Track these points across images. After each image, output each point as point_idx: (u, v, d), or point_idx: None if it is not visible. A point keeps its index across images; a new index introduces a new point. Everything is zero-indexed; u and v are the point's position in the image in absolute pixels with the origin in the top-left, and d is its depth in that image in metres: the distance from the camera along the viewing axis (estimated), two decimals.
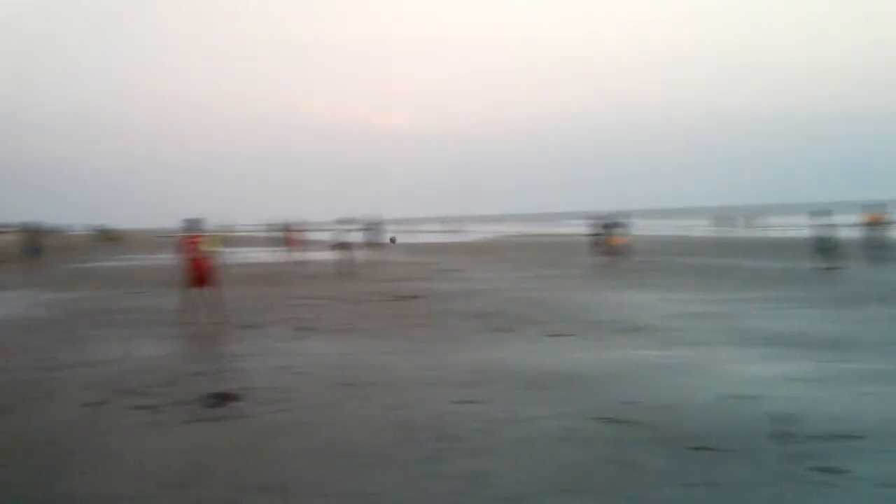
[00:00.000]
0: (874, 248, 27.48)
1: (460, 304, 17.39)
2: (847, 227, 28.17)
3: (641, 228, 57.16)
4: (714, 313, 14.89)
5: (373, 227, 37.73)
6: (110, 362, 10.98)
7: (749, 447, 6.48)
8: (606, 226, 33.20)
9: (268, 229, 70.69)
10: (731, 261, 29.98)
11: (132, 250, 56.06)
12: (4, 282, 27.11)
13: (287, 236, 38.06)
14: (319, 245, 33.41)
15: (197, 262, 14.55)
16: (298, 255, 34.39)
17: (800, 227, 41.33)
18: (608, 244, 32.35)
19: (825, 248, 23.79)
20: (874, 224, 28.80)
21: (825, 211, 24.92)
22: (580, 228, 29.90)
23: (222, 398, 8.55)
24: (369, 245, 36.04)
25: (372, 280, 24.62)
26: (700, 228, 72.52)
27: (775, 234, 57.35)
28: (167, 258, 26.09)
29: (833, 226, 23.83)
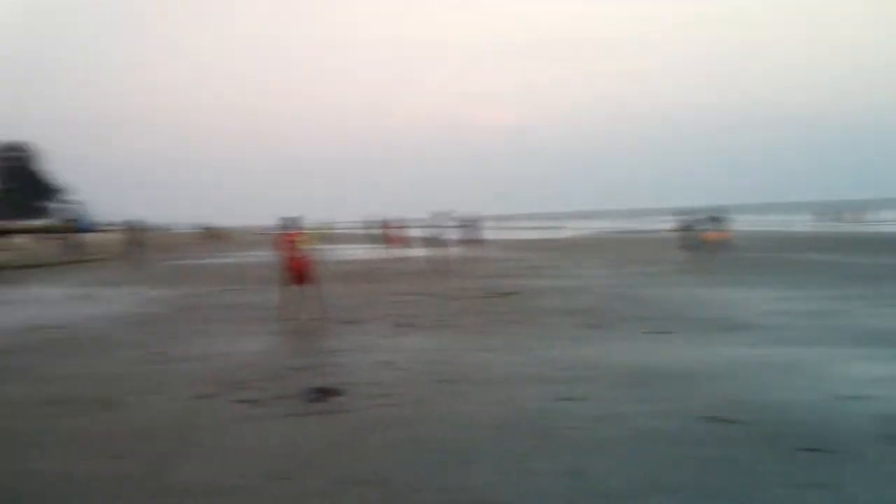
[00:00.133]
0: None
1: (557, 300, 17.29)
2: None
3: (741, 224, 55.79)
4: (818, 311, 14.44)
5: (469, 224, 37.84)
6: (216, 357, 11.27)
7: (860, 449, 6.26)
8: (705, 221, 32.64)
9: (366, 226, 71.52)
10: (835, 257, 29.00)
11: (234, 248, 57.37)
12: (112, 279, 28.07)
13: (385, 233, 38.47)
14: (417, 242, 33.62)
15: (296, 260, 14.82)
16: (396, 252, 34.72)
17: None
18: (706, 240, 31.78)
19: None
20: None
21: None
22: (676, 224, 29.40)
23: (323, 393, 8.70)
24: (465, 242, 36.15)
25: (469, 277, 24.65)
26: (803, 224, 70.54)
27: (884, 229, 55.31)
28: (268, 255, 26.68)
29: None
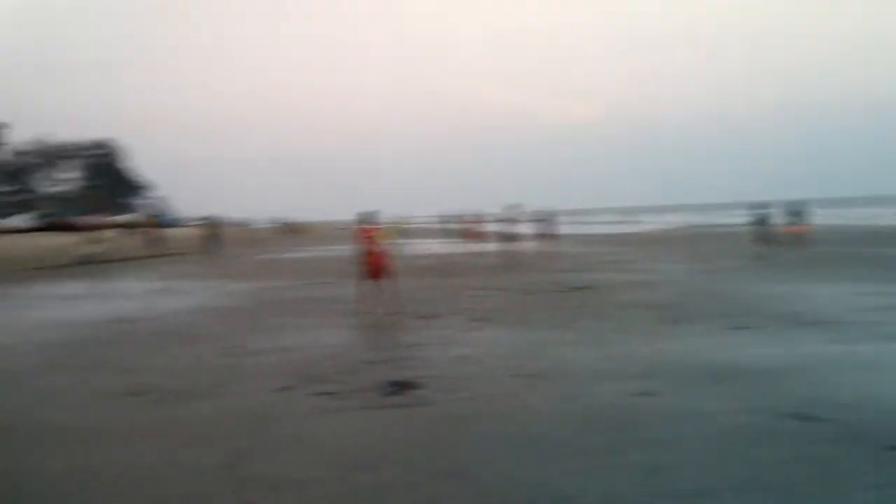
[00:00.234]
0: None
1: (634, 295, 17.10)
2: None
3: (821, 217, 54.38)
4: None
5: (544, 218, 37.67)
6: (294, 350, 11.39)
7: None
8: (784, 214, 31.95)
9: (443, 221, 71.78)
10: None
11: (313, 242, 58.12)
12: (193, 272, 28.66)
13: (463, 228, 38.53)
14: (493, 236, 33.60)
15: (374, 254, 14.89)
16: (472, 247, 34.75)
17: None
18: (785, 233, 31.12)
19: None
20: None
21: None
22: (752, 218, 28.82)
23: (402, 386, 8.73)
24: (540, 236, 36.02)
25: (544, 271, 24.59)
26: (887, 217, 68.43)
27: None
28: (345, 250, 26.93)
29: None
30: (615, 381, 8.80)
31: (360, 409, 7.90)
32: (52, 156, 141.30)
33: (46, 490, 5.86)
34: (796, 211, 32.47)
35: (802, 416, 7.06)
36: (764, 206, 32.21)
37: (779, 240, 30.56)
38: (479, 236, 36.12)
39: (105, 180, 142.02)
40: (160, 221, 67.01)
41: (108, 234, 38.86)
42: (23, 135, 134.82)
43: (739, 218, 29.37)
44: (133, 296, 20.80)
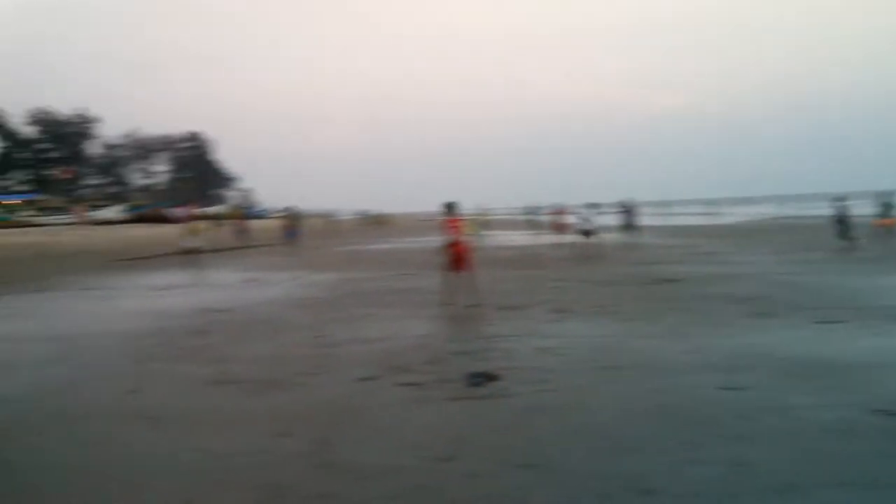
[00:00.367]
0: None
1: (719, 287, 16.83)
2: None
3: None
4: None
5: (627, 209, 37.27)
6: (378, 340, 11.53)
7: None
8: (873, 205, 31.00)
9: (523, 212, 71.62)
10: None
11: (396, 234, 58.58)
12: (278, 263, 29.14)
13: (544, 219, 38.35)
14: (575, 228, 33.40)
15: (457, 245, 14.95)
16: (554, 238, 34.60)
17: None
18: (874, 226, 30.19)
19: None
20: None
21: None
22: (838, 209, 27.98)
23: (484, 377, 8.76)
24: (623, 228, 35.68)
25: (627, 263, 24.38)
26: None
27: None
28: (427, 241, 27.09)
29: None
30: (700, 374, 8.71)
31: (444, 399, 7.97)
32: (143, 149, 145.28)
33: (138, 476, 6.07)
34: (887, 202, 31.42)
35: (893, 413, 6.90)
36: (847, 197, 31.28)
37: (866, 232, 29.66)
38: (562, 228, 35.91)
39: (194, 172, 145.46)
40: (247, 213, 68.27)
41: (202, 225, 39.73)
42: (114, 129, 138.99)
43: (825, 210, 28.53)
44: (222, 286, 21.30)
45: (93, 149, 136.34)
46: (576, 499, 5.32)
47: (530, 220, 50.60)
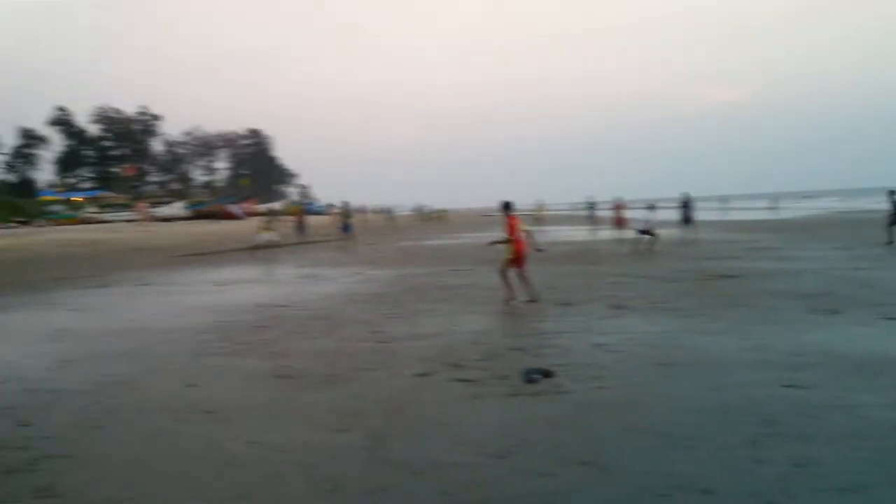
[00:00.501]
0: None
1: (779, 283, 16.54)
2: None
3: None
4: None
5: (684, 204, 36.75)
6: (434, 336, 11.54)
7: None
8: None
9: (580, 208, 71.18)
10: None
11: (453, 229, 58.65)
12: (337, 259, 29.34)
13: (601, 215, 38.01)
14: (632, 223, 33.09)
15: (516, 241, 14.91)
16: (611, 234, 34.35)
17: None
18: None
19: None
20: None
21: None
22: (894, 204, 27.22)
23: (540, 374, 8.71)
24: (681, 223, 35.22)
25: (684, 258, 24.10)
26: None
27: None
28: (484, 237, 27.03)
29: None
30: (760, 371, 8.57)
31: (499, 395, 7.95)
32: (204, 146, 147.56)
33: (195, 469, 6.15)
34: None
35: None
36: None
37: None
38: (620, 223, 35.61)
39: (254, 169, 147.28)
40: (306, 209, 68.80)
41: (274, 221, 40.22)
42: (176, 127, 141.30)
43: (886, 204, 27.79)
44: (281, 281, 21.50)
45: (155, 146, 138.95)
46: (632, 497, 5.26)
47: (588, 215, 50.25)
